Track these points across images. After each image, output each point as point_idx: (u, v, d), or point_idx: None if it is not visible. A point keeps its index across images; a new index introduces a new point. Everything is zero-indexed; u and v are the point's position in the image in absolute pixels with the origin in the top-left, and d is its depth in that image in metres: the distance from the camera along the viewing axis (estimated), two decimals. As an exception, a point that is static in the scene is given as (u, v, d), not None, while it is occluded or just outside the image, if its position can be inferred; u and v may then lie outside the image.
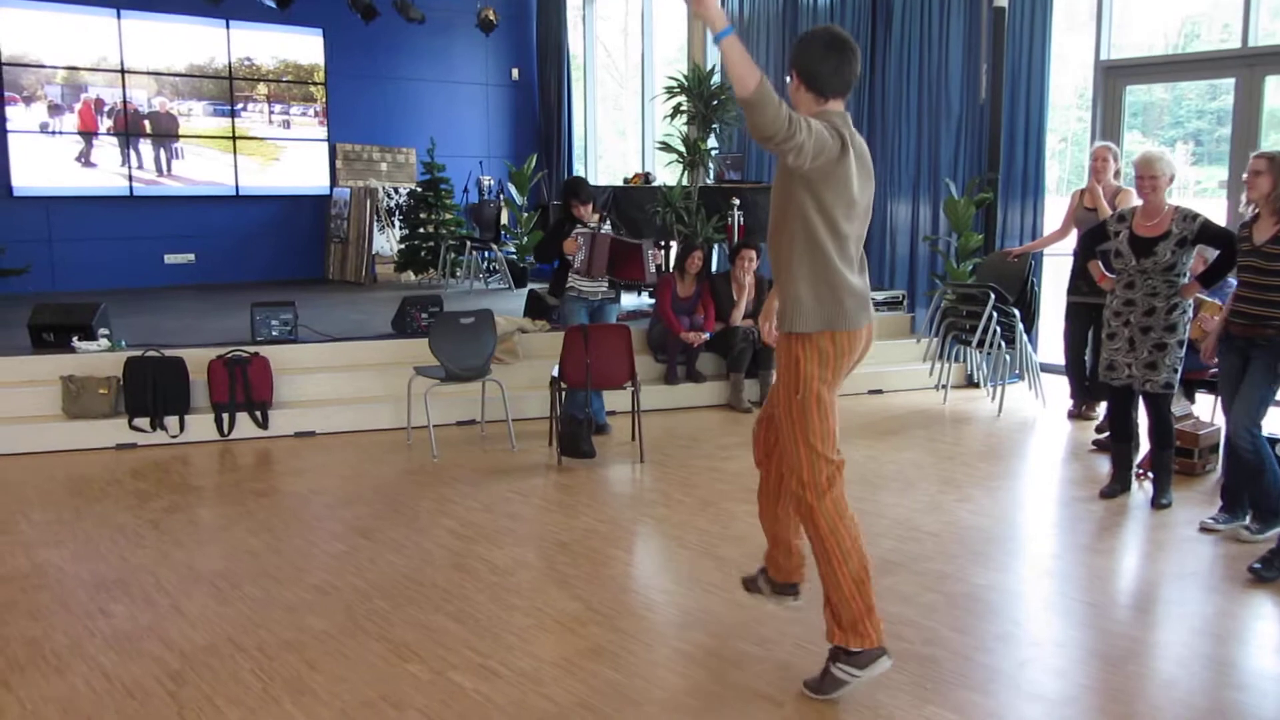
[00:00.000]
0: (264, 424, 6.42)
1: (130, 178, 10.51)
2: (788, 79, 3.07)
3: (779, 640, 3.55)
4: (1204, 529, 4.64)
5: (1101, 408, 6.81)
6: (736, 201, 7.96)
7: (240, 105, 11.08)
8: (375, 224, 11.06)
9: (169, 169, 10.75)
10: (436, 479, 5.59)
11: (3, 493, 5.33)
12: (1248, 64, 7.18)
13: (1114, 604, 4.00)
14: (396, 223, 11.43)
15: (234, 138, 11.06)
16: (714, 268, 8.31)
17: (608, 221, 6.36)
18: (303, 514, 5.00)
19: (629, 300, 9.15)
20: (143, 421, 6.22)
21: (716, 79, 8.18)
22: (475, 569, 4.30)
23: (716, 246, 8.44)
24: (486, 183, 12.12)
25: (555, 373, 6.00)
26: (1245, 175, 4.44)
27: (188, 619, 3.75)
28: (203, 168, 10.92)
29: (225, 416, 6.36)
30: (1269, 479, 4.46)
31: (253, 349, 6.55)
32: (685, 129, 8.27)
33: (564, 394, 6.03)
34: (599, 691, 3.20)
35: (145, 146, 10.59)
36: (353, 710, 3.09)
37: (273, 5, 10.24)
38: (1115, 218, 5.03)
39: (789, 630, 3.62)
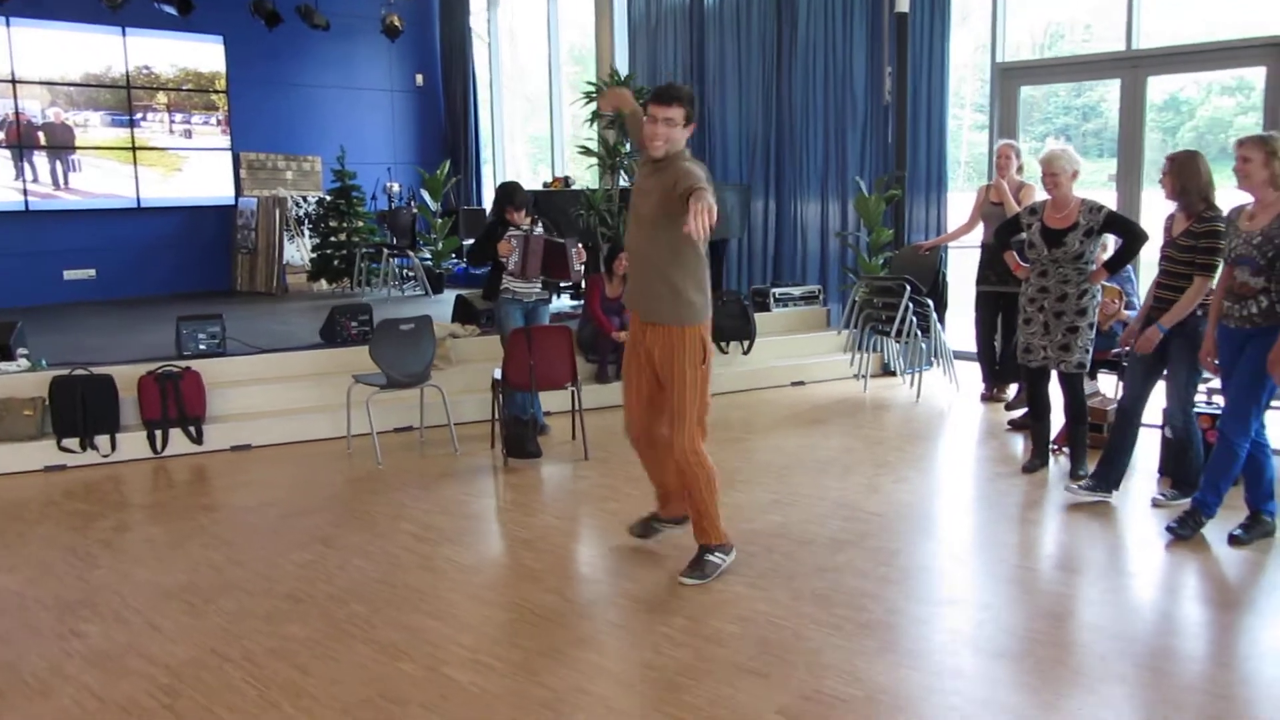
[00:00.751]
0: (199, 439, 6.35)
1: (25, 191, 10.15)
2: (682, 122, 3.88)
3: (753, 618, 3.74)
4: (1155, 505, 4.92)
5: (1011, 390, 7.24)
6: (657, 203, 8.14)
7: (139, 115, 10.79)
8: (285, 233, 10.92)
9: (66, 182, 10.41)
10: (386, 485, 5.63)
11: (-65, 520, 5.18)
12: (1132, 65, 7.70)
13: (1049, 566, 4.32)
14: (306, 231, 11.30)
15: (134, 148, 10.77)
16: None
17: (539, 225, 6.45)
18: (258, 526, 5.00)
19: (556, 303, 9.26)
20: (72, 442, 6.09)
21: (637, 83, 8.38)
22: (444, 569, 4.39)
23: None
24: (394, 189, 12.08)
25: (497, 375, 6.10)
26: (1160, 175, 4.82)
27: (165, 634, 3.75)
28: (102, 180, 10.61)
29: (158, 433, 6.27)
30: (1194, 454, 4.86)
31: (183, 364, 6.47)
32: (604, 133, 8.43)
33: (504, 396, 6.13)
34: (591, 676, 3.34)
35: (40, 159, 10.24)
36: (354, 709, 3.17)
37: (173, 11, 10.05)
38: (1027, 210, 5.39)
39: (760, 609, 3.82)
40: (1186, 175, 4.62)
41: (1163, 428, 5.20)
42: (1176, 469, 5.01)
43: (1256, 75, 7.99)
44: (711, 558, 4.11)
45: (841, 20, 9.09)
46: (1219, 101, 9.12)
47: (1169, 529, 4.44)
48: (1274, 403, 4.53)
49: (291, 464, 6.12)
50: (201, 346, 6.85)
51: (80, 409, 6.11)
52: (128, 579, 4.32)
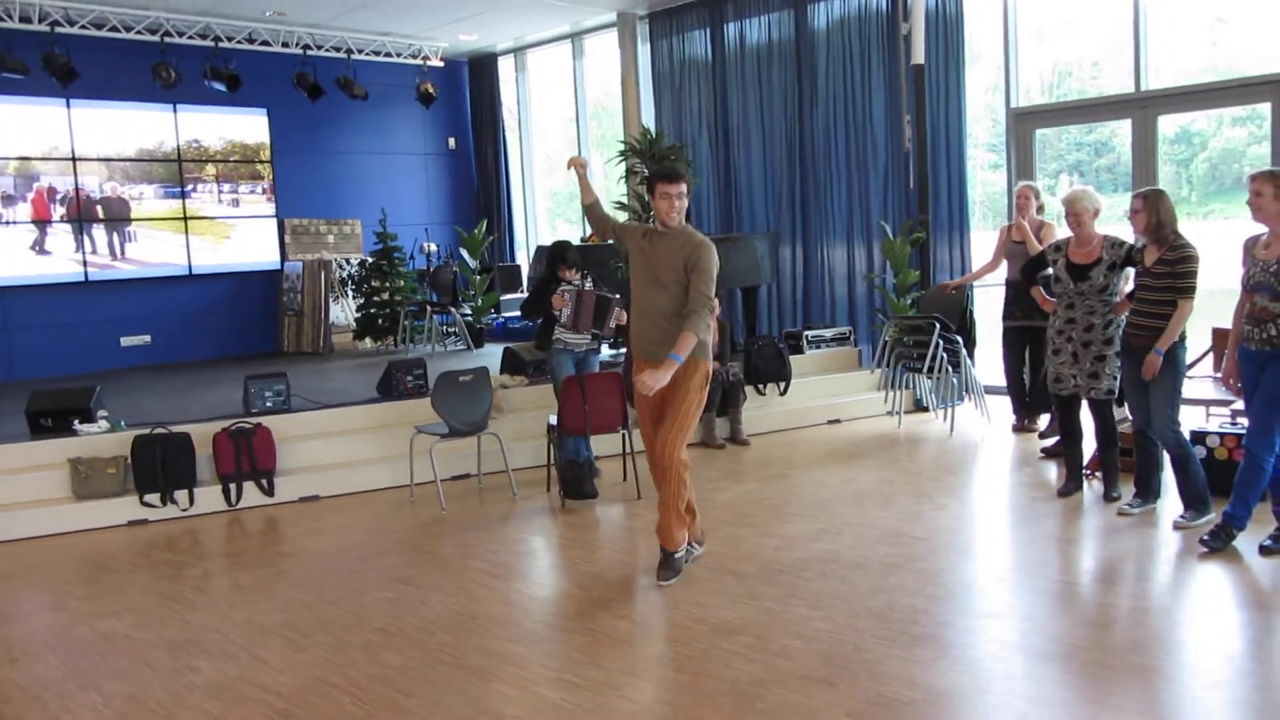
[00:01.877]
0: (270, 491, 6.70)
1: (85, 263, 10.66)
2: (688, 194, 4.68)
3: (815, 635, 4.02)
4: (1121, 514, 5.30)
5: (1042, 420, 7.50)
6: (691, 253, 8.51)
7: (190, 186, 11.32)
8: (330, 294, 11.36)
9: (123, 252, 10.91)
10: (453, 528, 5.95)
11: (36, 574, 5.52)
12: (1141, 105, 8.06)
13: (1089, 581, 4.58)
14: (350, 292, 11.73)
15: (185, 218, 11.28)
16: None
17: (589, 280, 6.82)
18: (337, 569, 5.32)
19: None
20: (153, 497, 6.45)
21: (666, 140, 8.80)
22: (519, 601, 4.69)
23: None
24: (431, 248, 12.55)
25: (553, 420, 6.43)
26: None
27: (273, 667, 4.06)
28: (155, 249, 11.11)
29: (233, 487, 6.62)
30: (1194, 470, 5.12)
31: (254, 420, 6.84)
32: (637, 188, 8.83)
33: (559, 440, 6.45)
34: (672, 690, 3.63)
35: (99, 231, 10.76)
36: (458, 725, 3.46)
37: (222, 88, 10.61)
38: (1052, 248, 5.71)
39: (820, 626, 4.10)
40: (1162, 210, 5.03)
41: (1135, 439, 5.47)
42: (1179, 487, 5.21)
43: (1265, 109, 8.34)
44: (677, 554, 4.75)
45: (860, 71, 9.51)
46: (1230, 133, 9.42)
47: (1202, 541, 4.70)
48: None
49: (359, 512, 6.45)
50: (268, 403, 7.22)
51: (160, 466, 6.47)
52: (227, 619, 4.64)
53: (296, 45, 11.38)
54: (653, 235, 4.65)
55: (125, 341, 11.03)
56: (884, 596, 4.43)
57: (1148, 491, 5.34)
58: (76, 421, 6.81)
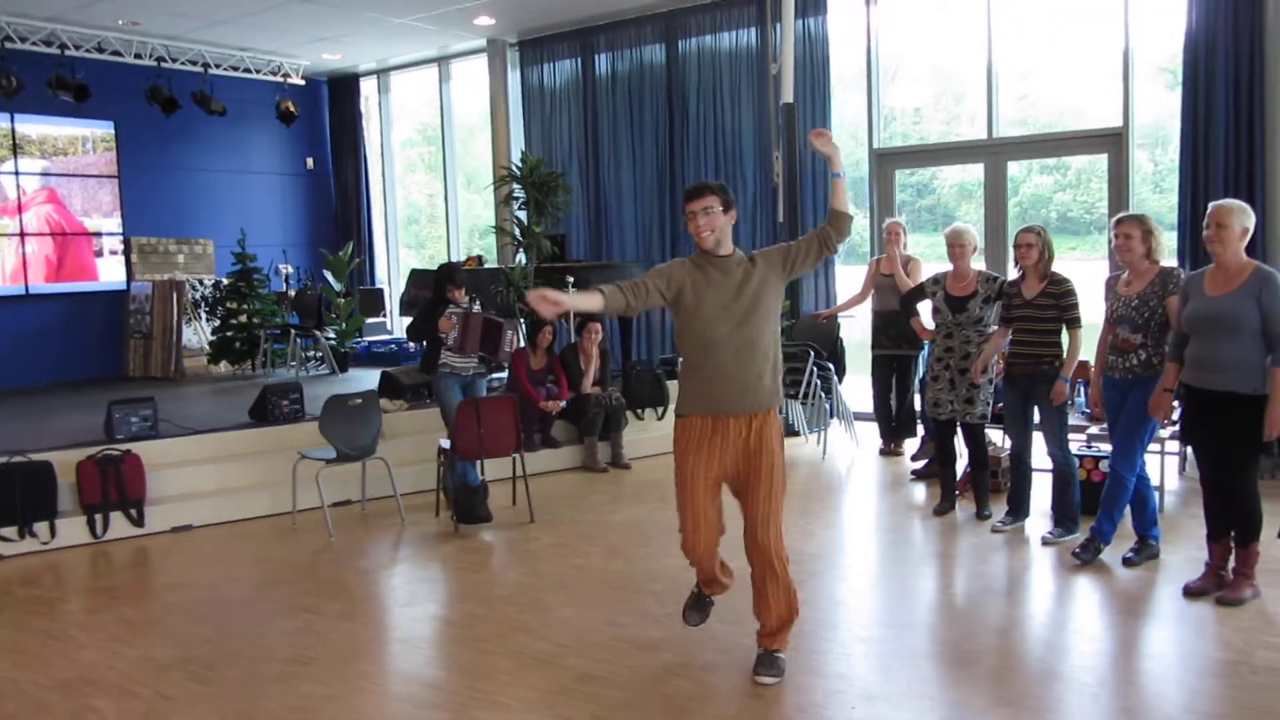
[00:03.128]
0: (140, 522, 6.37)
1: (-93, 280, 9.86)
2: (720, 209, 3.87)
3: (736, 649, 4.14)
4: (994, 531, 5.68)
5: (908, 444, 7.91)
6: (571, 279, 8.60)
7: (27, 200, 10.63)
8: (182, 317, 10.86)
9: (-49, 269, 10.16)
10: (346, 556, 5.81)
11: (-115, 613, 5.09)
12: (993, 151, 8.67)
13: (977, 592, 4.89)
14: (203, 314, 11.26)
15: (21, 234, 10.59)
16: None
17: (478, 302, 6.81)
18: (232, 600, 5.11)
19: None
20: (10, 530, 6.03)
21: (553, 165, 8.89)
22: (435, 626, 4.64)
23: (560, 322, 9.04)
24: (287, 270, 12.17)
25: (445, 444, 6.37)
26: (1015, 247, 5.55)
27: (181, 703, 3.89)
28: (-12, 266, 10.39)
29: (99, 517, 6.26)
30: (1074, 491, 5.54)
31: (123, 447, 6.49)
32: (520, 213, 8.87)
33: (450, 465, 6.39)
34: (607, 707, 3.68)
35: (-76, 246, 9.98)
36: (397, 752, 3.42)
37: (69, 99, 10.06)
38: (931, 280, 6.09)
39: (741, 642, 4.22)
40: (1048, 247, 5.43)
41: (1011, 462, 5.87)
42: (1059, 504, 5.60)
43: (1090, 160, 9.14)
44: (781, 655, 3.95)
45: (730, 106, 9.86)
46: (1039, 179, 10.21)
47: (1074, 554, 5.09)
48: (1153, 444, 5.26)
49: (239, 541, 6.21)
50: (134, 429, 6.87)
51: (18, 496, 6.06)
52: (118, 656, 4.40)
53: (150, 57, 10.89)
54: (705, 263, 3.85)
55: (-50, 365, 10.25)
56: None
57: (1020, 510, 5.73)
58: (-81, 449, 6.31)
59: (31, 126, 10.63)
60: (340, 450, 6.23)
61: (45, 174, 10.80)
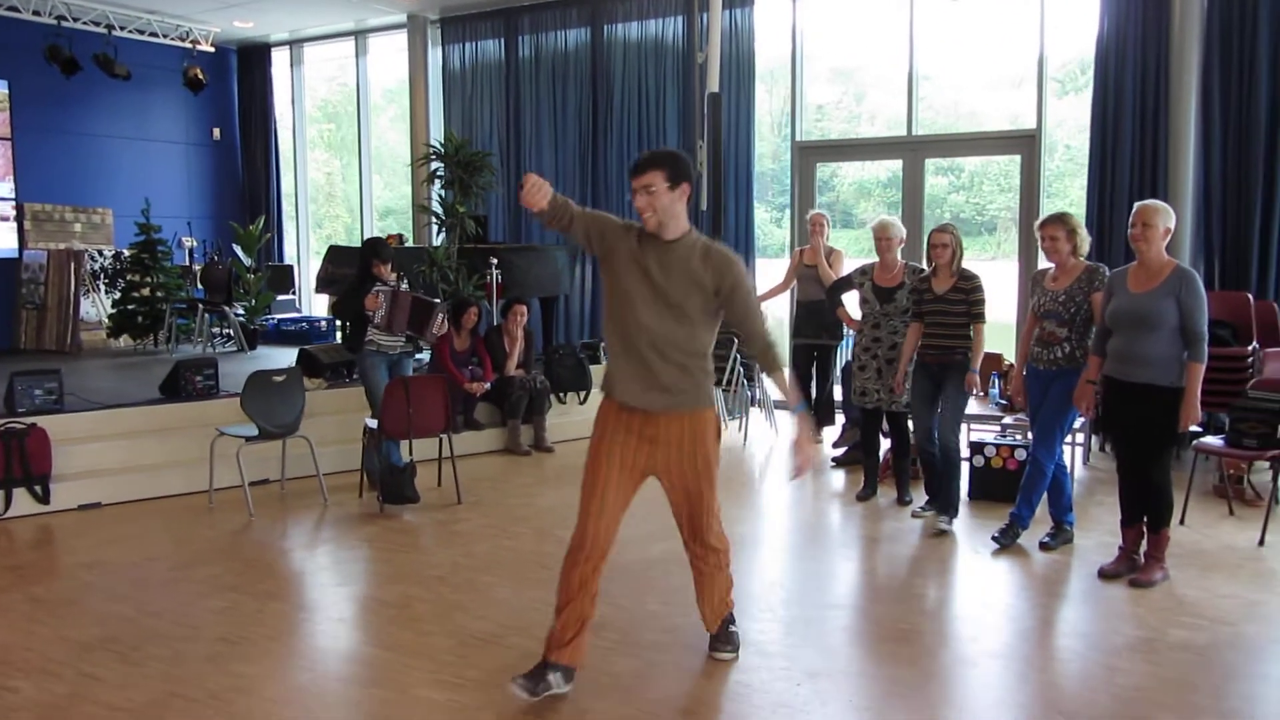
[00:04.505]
0: (45, 498, 6.09)
1: None
2: (667, 184, 3.43)
3: (676, 629, 4.19)
4: (914, 516, 5.84)
5: (825, 432, 8.07)
6: (494, 260, 8.53)
7: (-87, 160, 10.05)
8: (80, 289, 10.41)
9: None
10: (268, 535, 5.67)
11: None
12: (912, 149, 8.89)
13: (904, 574, 5.04)
14: (102, 286, 10.80)
15: (-95, 196, 10.01)
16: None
17: (405, 280, 6.69)
18: (152, 580, 4.93)
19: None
20: (-97, 505, 5.72)
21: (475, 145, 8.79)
22: (370, 606, 4.57)
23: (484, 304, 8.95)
24: (190, 243, 11.77)
25: (371, 424, 6.26)
26: (930, 246, 5.71)
27: (110, 683, 3.74)
28: None
29: (0, 493, 5.97)
30: (955, 479, 5.72)
31: (27, 420, 6.20)
32: (443, 193, 8.75)
33: (375, 445, 6.28)
34: (593, 657, 3.67)
35: None
36: (344, 730, 3.36)
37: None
38: (859, 272, 6.22)
39: (678, 622, 4.26)
40: (959, 245, 5.60)
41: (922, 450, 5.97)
42: (940, 489, 5.73)
43: (984, 162, 9.48)
44: (733, 627, 3.97)
45: (655, 94, 9.89)
46: (934, 180, 10.54)
47: (993, 538, 5.27)
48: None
49: (153, 519, 6.00)
50: (37, 402, 6.56)
51: (-88, 470, 5.75)
52: (33, 636, 4.22)
53: (50, 15, 10.39)
54: (649, 241, 3.49)
55: None
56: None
57: (940, 497, 5.89)
58: None
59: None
60: (262, 428, 6.06)
61: (-69, 133, 10.21)
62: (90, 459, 6.51)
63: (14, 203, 10.79)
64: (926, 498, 5.95)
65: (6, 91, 10.68)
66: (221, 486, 6.31)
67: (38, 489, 6.09)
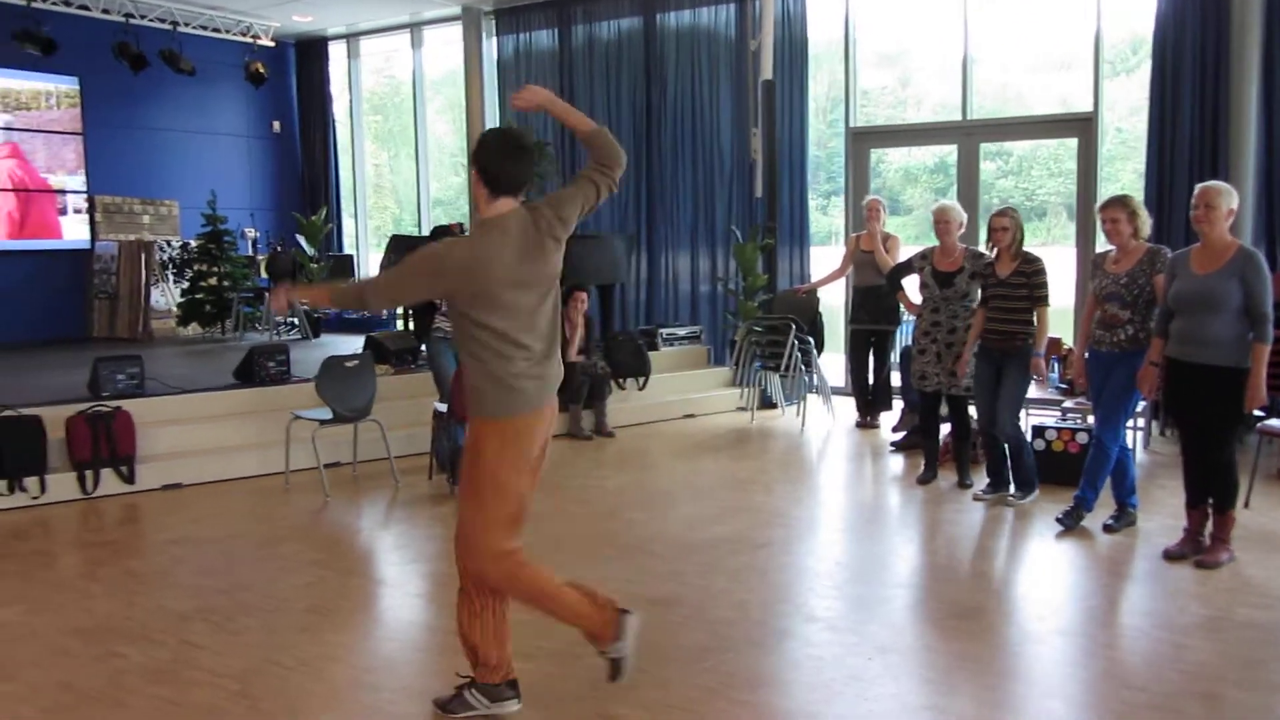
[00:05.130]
0: (131, 479, 6.35)
1: None
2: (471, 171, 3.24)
3: (744, 605, 4.30)
4: (976, 499, 5.90)
5: (883, 417, 8.13)
6: (553, 249, 8.67)
7: (-10, 155, 10.41)
8: (150, 278, 10.72)
9: (-90, 223, 9.91)
10: (344, 515, 5.87)
11: (-119, 565, 5.04)
12: (966, 133, 8.89)
13: (969, 555, 5.11)
14: (171, 276, 11.11)
15: (-17, 190, 10.37)
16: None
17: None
18: (238, 555, 5.15)
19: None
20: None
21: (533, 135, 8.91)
22: (447, 582, 4.62)
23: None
24: (252, 234, 12.07)
25: (441, 408, 6.44)
26: (990, 230, 5.75)
27: (209, 651, 3.94)
28: (-51, 222, 10.16)
29: (89, 473, 6.23)
30: (1027, 457, 5.79)
31: (113, 404, 6.45)
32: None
33: (445, 428, 6.46)
34: (645, 646, 3.80)
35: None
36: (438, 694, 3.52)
37: (36, 52, 9.85)
38: (919, 256, 6.27)
39: (746, 598, 4.38)
40: (1020, 229, 5.66)
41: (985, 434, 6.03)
42: (1013, 470, 5.86)
43: (1033, 146, 9.45)
44: (469, 692, 3.41)
45: (708, 82, 9.96)
46: (983, 165, 10.50)
47: (1057, 520, 5.32)
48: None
49: (233, 499, 6.23)
50: (120, 387, 6.82)
51: (6, 451, 6.01)
52: (132, 606, 4.43)
53: (118, 13, 10.68)
54: (491, 227, 3.20)
55: (-89, 320, 10.03)
56: (795, 571, 4.79)
57: (999, 480, 5.95)
58: (-99, 403, 6.22)
59: (-5, 79, 10.38)
60: (336, 411, 6.26)
61: (8, 129, 10.55)
62: (171, 441, 6.76)
63: (86, 195, 11.11)
64: (988, 480, 6.00)
65: (78, 88, 10.99)
66: (296, 468, 6.52)
67: (123, 469, 6.34)
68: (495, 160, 3.17)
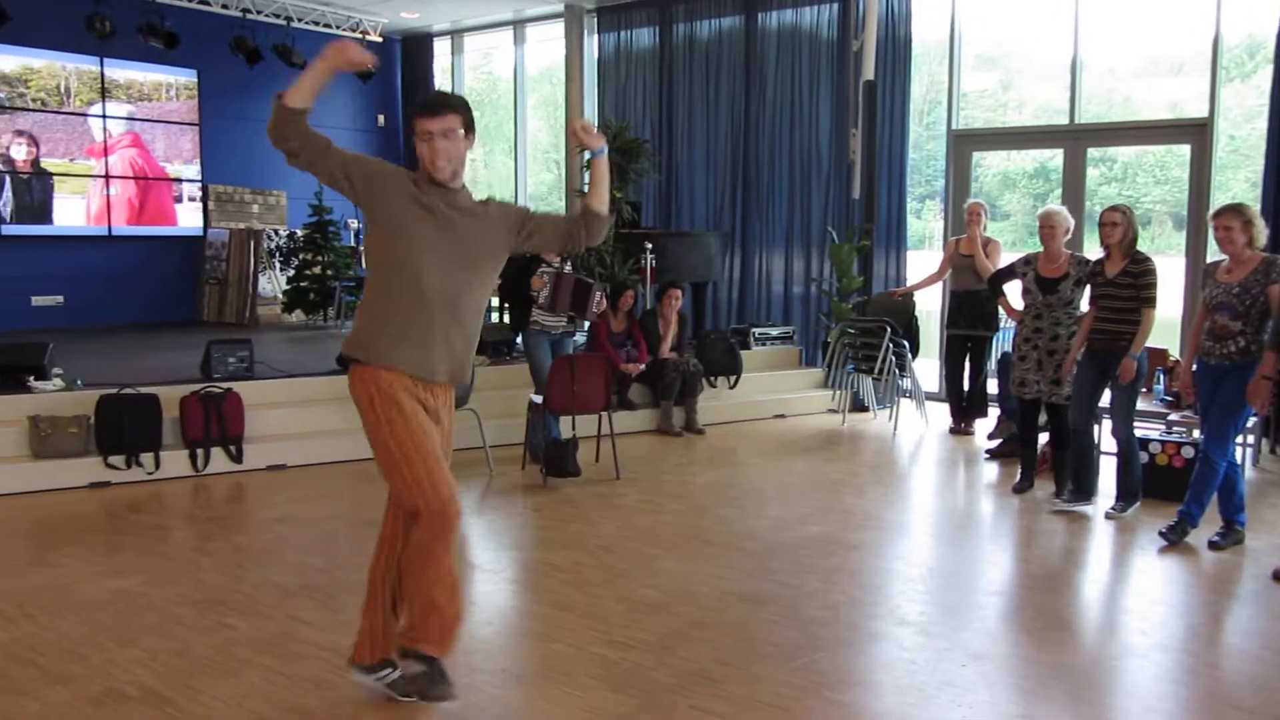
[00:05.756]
0: (239, 458, 6.60)
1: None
2: (462, 133, 3.20)
3: (838, 606, 4.30)
4: (1108, 517, 5.69)
5: (978, 424, 8.01)
6: (649, 245, 8.74)
7: (113, 145, 10.87)
8: (258, 266, 11.10)
9: (40, 209, 10.41)
10: (440, 501, 6.00)
11: (9, 530, 5.34)
12: (1074, 137, 8.69)
13: (1065, 566, 5.02)
14: (277, 264, 11.49)
15: (107, 177, 10.83)
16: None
17: (569, 264, 6.96)
18: (340, 534, 5.33)
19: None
20: (117, 459, 6.27)
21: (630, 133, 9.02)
22: (541, 569, 4.83)
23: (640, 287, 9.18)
24: (355, 225, 12.37)
25: (536, 399, 6.55)
26: (1101, 225, 5.63)
27: (315, 626, 4.09)
28: (74, 209, 10.64)
29: (200, 452, 6.50)
30: (1135, 466, 5.65)
31: (224, 385, 6.72)
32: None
33: (539, 419, 6.57)
34: (720, 651, 3.84)
35: (15, 185, 10.23)
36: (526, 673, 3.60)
37: (160, 45, 10.26)
38: (1022, 261, 6.17)
39: (839, 599, 4.37)
40: (1132, 226, 5.51)
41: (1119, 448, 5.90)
42: (1118, 479, 5.73)
43: (1160, 151, 9.16)
44: (419, 666, 3.39)
45: (808, 82, 9.91)
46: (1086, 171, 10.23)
47: (1161, 534, 5.19)
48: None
49: (333, 481, 6.43)
50: (230, 369, 7.09)
51: (124, 427, 6.30)
52: (241, 580, 4.62)
53: (236, 8, 11.08)
54: (431, 190, 3.19)
55: (36, 301, 10.53)
56: (887, 574, 4.77)
57: (1085, 489, 5.81)
58: (31, 378, 6.56)
59: (119, 71, 10.85)
60: (434, 399, 6.40)
61: (130, 119, 11.02)
62: (276, 423, 7.00)
63: (200, 184, 11.55)
64: (1070, 488, 5.84)
65: (196, 80, 11.42)
66: (395, 454, 6.69)
67: (232, 449, 6.60)
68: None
